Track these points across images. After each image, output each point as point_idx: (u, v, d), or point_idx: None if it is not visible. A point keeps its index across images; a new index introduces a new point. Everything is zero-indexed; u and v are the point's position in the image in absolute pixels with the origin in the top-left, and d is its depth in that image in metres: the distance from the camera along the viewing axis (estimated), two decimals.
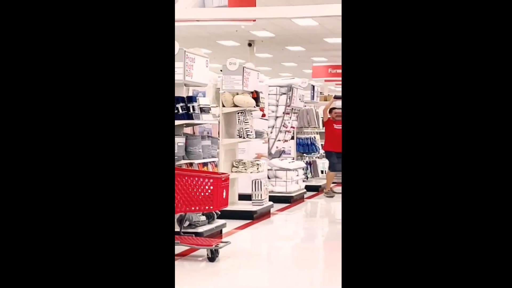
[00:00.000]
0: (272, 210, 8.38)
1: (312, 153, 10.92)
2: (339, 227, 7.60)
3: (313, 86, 10.83)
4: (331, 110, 9.83)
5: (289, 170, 9.12)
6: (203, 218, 6.11)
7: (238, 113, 7.65)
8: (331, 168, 9.83)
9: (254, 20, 8.74)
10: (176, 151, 5.51)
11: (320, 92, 12.54)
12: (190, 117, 5.83)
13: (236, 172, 7.80)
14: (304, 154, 10.69)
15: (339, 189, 10.29)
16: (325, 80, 20.18)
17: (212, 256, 5.27)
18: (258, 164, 7.87)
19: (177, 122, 5.51)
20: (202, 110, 6.10)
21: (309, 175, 10.78)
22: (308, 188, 9.93)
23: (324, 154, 10.54)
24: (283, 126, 9.03)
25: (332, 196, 9.67)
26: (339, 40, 17.23)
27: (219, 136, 7.40)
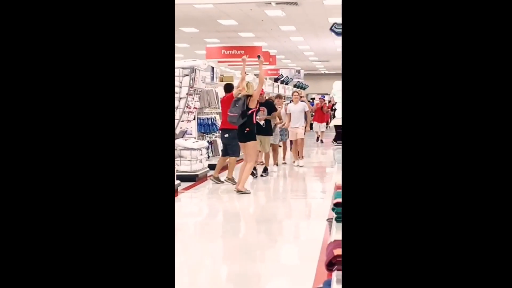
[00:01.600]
0: (179, 189, 8.63)
1: (213, 133, 11.22)
2: (238, 203, 8.01)
3: (213, 68, 11.10)
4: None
5: (194, 149, 9.38)
6: None
7: None
8: (224, 152, 9.46)
9: None
10: None
11: None
12: None
13: None
14: (205, 134, 10.96)
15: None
16: (218, 61, 20.42)
17: None
18: None
19: None
20: None
21: (210, 154, 11.07)
22: (211, 166, 10.22)
23: (220, 134, 10.02)
24: (187, 107, 9.24)
25: (219, 183, 9.27)
26: (232, 22, 17.54)
27: None
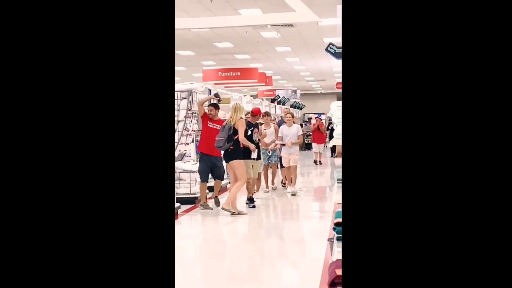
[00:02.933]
0: (179, 212, 8.64)
1: None
2: (238, 224, 8.00)
3: (210, 90, 11.17)
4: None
5: (193, 172, 9.39)
6: None
7: None
8: (202, 178, 8.98)
9: None
10: None
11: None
12: None
13: None
14: None
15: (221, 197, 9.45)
16: (215, 83, 20.53)
17: None
18: None
19: None
20: None
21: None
22: (210, 188, 10.19)
23: (199, 157, 9.26)
24: (185, 129, 9.28)
25: (210, 209, 8.89)
26: (228, 44, 17.67)
27: None
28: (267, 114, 11.19)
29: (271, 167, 11.17)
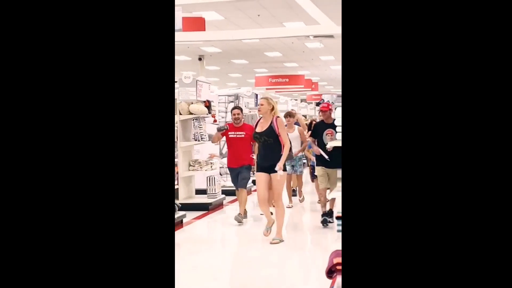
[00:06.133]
0: (224, 202, 8.69)
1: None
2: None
3: (256, 95, 11.16)
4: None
5: None
6: None
7: (193, 120, 7.92)
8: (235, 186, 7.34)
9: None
10: None
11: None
12: None
13: (192, 170, 8.06)
14: None
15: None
16: (266, 88, 20.53)
17: None
18: (211, 163, 8.15)
19: None
20: None
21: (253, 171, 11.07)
22: (254, 182, 10.21)
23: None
24: None
25: (241, 223, 7.24)
26: (277, 53, 17.63)
27: (176, 140, 7.65)
28: (290, 114, 8.04)
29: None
